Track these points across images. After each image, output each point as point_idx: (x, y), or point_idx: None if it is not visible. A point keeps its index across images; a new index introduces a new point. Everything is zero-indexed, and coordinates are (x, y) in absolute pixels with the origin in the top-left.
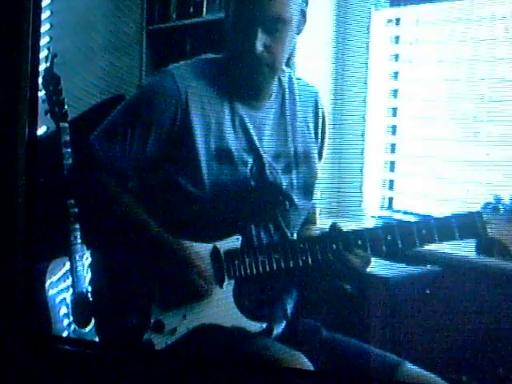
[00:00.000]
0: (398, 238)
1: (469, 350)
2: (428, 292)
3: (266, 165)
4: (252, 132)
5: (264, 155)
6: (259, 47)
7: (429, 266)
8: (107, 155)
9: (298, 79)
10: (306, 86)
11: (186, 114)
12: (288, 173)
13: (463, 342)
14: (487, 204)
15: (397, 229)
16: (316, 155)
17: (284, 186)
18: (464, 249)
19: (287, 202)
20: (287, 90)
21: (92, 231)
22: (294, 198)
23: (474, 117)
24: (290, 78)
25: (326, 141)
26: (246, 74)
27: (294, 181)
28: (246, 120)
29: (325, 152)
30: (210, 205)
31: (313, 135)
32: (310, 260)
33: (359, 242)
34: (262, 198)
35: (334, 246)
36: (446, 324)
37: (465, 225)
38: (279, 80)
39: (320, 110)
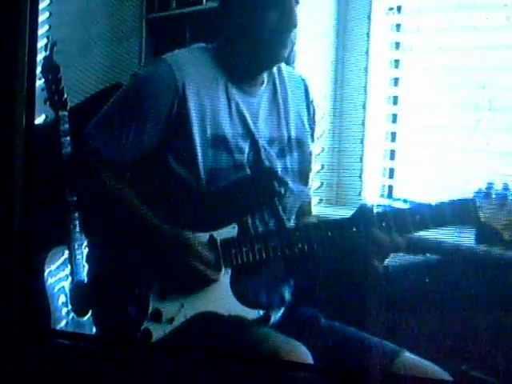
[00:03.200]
0: (392, 225)
1: (468, 338)
2: (427, 280)
3: (261, 150)
4: (247, 117)
5: (259, 140)
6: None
7: (428, 255)
8: (104, 146)
9: (287, 68)
10: (294, 75)
11: (183, 102)
12: (282, 157)
13: (462, 330)
14: (479, 190)
15: (391, 215)
16: (309, 140)
17: (279, 171)
18: (464, 237)
19: (283, 187)
20: (277, 78)
21: (89, 221)
22: (290, 182)
23: (475, 105)
24: (279, 67)
25: (317, 125)
26: (253, 66)
27: (289, 165)
28: (242, 105)
29: (316, 136)
30: (206, 193)
31: (305, 121)
32: (305, 248)
33: (354, 229)
34: (258, 184)
35: (329, 233)
36: (446, 313)
37: (458, 211)
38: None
39: (310, 97)
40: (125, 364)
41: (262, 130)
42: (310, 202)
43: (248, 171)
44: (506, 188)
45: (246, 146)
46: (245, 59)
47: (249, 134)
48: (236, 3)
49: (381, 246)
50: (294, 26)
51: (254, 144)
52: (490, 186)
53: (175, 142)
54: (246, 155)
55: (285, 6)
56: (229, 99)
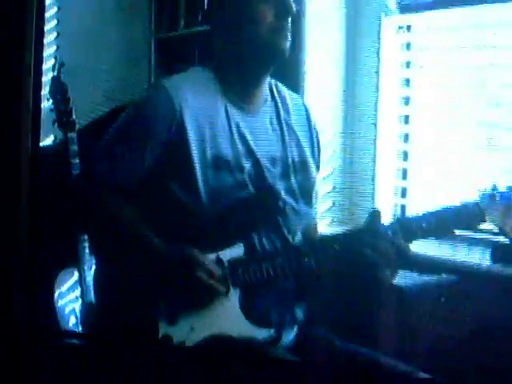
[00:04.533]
0: (399, 233)
1: (484, 359)
2: (443, 301)
3: (264, 169)
4: (248, 136)
5: (261, 159)
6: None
7: (443, 275)
8: (105, 173)
9: (289, 92)
10: (296, 98)
11: (181, 126)
12: (286, 178)
13: (478, 351)
14: (484, 193)
15: (397, 224)
16: (313, 165)
17: (283, 191)
18: (479, 257)
19: (287, 207)
20: (279, 100)
21: (96, 245)
22: (293, 202)
23: (488, 123)
24: (282, 90)
25: (325, 147)
26: (253, 69)
27: (293, 186)
28: (242, 125)
29: (324, 159)
30: (210, 214)
31: (309, 146)
32: (312, 263)
33: (360, 242)
34: (261, 202)
35: (335, 246)
36: (461, 334)
37: (463, 214)
38: (271, 90)
39: (312, 121)
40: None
41: (264, 149)
42: (315, 226)
43: (251, 189)
44: (510, 190)
45: (247, 166)
46: (243, 66)
47: (250, 154)
48: (227, 10)
49: (388, 258)
50: (290, 12)
51: (256, 163)
52: (493, 188)
53: (175, 166)
54: (248, 175)
55: None
56: (229, 119)
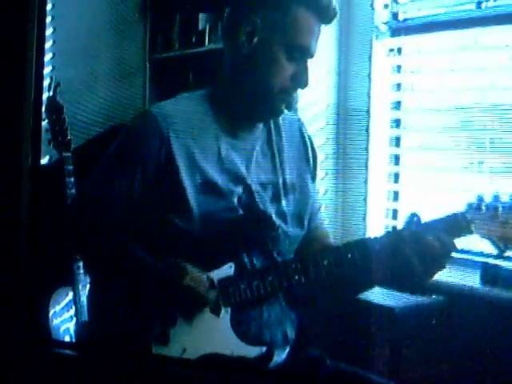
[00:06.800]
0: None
1: (475, 381)
2: (434, 322)
3: (255, 194)
4: (238, 162)
5: (252, 184)
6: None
7: (434, 296)
8: (99, 201)
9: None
10: (290, 118)
11: (170, 152)
12: (277, 202)
13: (469, 373)
14: (470, 204)
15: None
16: (309, 181)
17: (273, 215)
18: (470, 279)
19: (277, 230)
20: (272, 124)
21: (90, 268)
22: (284, 226)
23: (477, 146)
24: None
25: (318, 165)
26: (248, 117)
27: (284, 209)
28: (233, 151)
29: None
30: (201, 237)
31: (304, 163)
32: (302, 279)
33: (349, 256)
34: (251, 225)
35: (325, 262)
36: (452, 355)
37: (449, 225)
38: None
39: (306, 138)
40: None
41: (254, 174)
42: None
43: (241, 212)
44: (496, 200)
45: (238, 191)
46: (241, 109)
47: (241, 179)
48: (247, 52)
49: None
50: (306, 85)
51: (247, 188)
52: (479, 200)
53: (166, 191)
54: (238, 199)
55: (300, 65)
56: (219, 145)
